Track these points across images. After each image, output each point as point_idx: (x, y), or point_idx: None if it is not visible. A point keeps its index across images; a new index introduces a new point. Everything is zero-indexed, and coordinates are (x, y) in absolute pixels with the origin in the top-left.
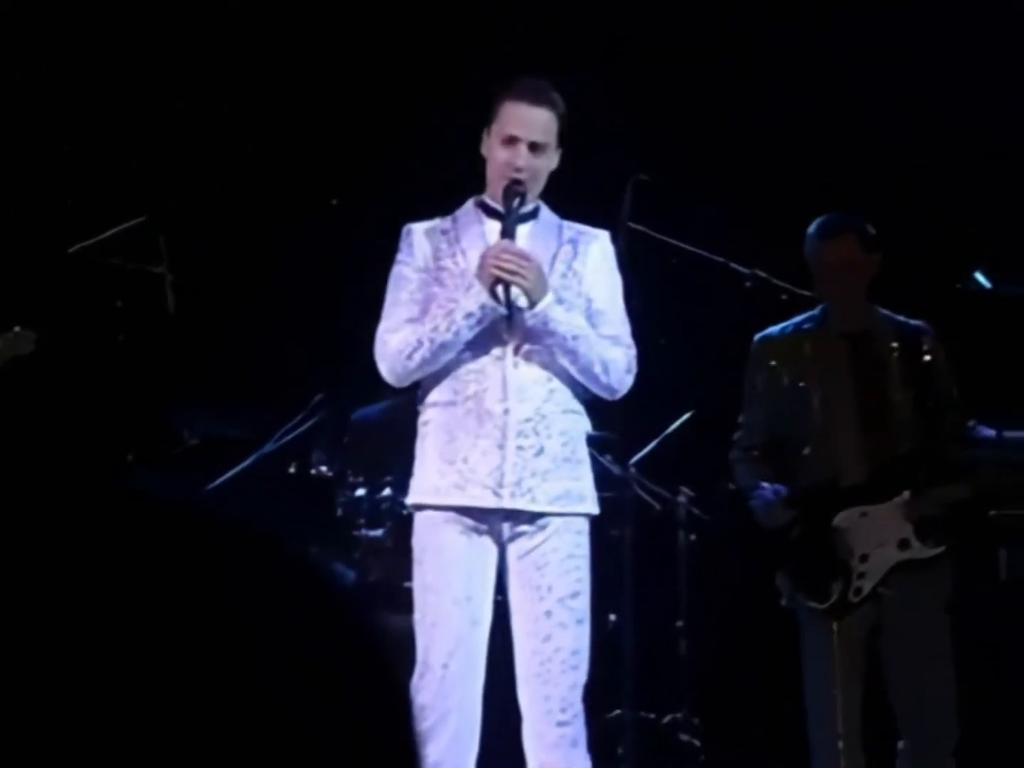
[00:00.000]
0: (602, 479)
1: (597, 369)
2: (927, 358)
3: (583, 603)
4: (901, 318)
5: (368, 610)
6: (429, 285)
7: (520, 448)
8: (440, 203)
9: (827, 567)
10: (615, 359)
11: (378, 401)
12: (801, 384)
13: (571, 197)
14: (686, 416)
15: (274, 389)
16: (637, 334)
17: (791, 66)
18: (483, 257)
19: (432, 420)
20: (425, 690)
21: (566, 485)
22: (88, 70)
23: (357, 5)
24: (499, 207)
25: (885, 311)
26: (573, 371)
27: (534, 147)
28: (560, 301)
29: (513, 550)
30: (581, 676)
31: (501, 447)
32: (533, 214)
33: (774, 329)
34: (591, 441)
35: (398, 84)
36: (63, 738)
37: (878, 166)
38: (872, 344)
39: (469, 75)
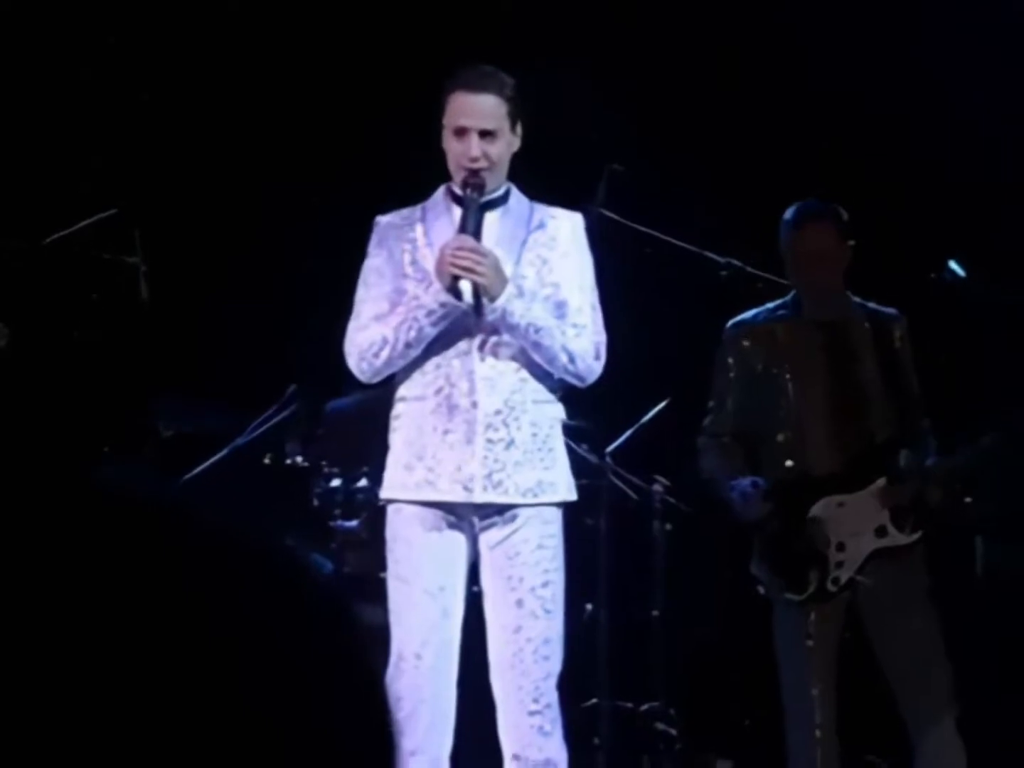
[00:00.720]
0: (578, 468)
1: (563, 359)
2: (898, 345)
3: (554, 592)
4: (872, 305)
5: (345, 601)
6: (399, 279)
7: (490, 441)
8: (417, 193)
9: (804, 558)
10: (582, 348)
11: (352, 392)
12: (774, 371)
13: (547, 182)
14: (661, 405)
15: (248, 380)
16: (612, 323)
17: (766, 51)
18: (440, 253)
19: (402, 414)
20: (399, 680)
21: (538, 475)
22: (60, 60)
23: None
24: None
25: (857, 299)
26: (540, 361)
27: (485, 134)
28: (521, 294)
29: (484, 540)
30: (555, 666)
31: (470, 442)
32: (503, 199)
33: (746, 315)
34: (567, 430)
35: (373, 71)
36: (41, 733)
37: (853, 153)
38: (845, 332)
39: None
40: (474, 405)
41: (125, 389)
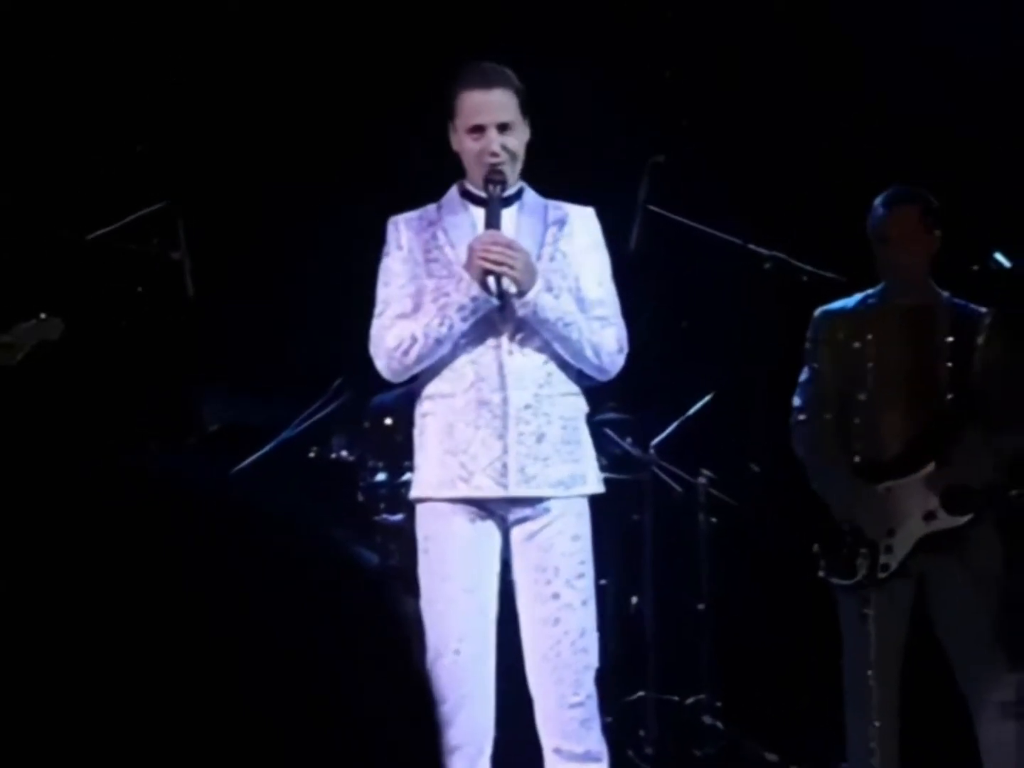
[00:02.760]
0: (622, 462)
1: (588, 353)
2: (980, 342)
3: (588, 584)
4: (959, 300)
5: (390, 594)
6: (419, 278)
7: (521, 435)
8: (435, 189)
9: (853, 544)
10: (605, 341)
11: (397, 386)
12: (857, 358)
13: (584, 176)
14: (706, 398)
15: (294, 375)
16: (656, 316)
17: (812, 42)
18: (470, 249)
19: (431, 412)
20: (438, 676)
21: (569, 468)
22: (108, 55)
23: None
24: (482, 194)
25: (947, 292)
26: (565, 356)
27: (502, 128)
28: (549, 289)
29: (518, 534)
30: (592, 659)
31: (501, 436)
32: (517, 196)
33: (836, 303)
34: (612, 424)
35: (409, 69)
36: (84, 722)
37: (899, 146)
38: (927, 320)
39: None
40: (504, 401)
41: (171, 382)
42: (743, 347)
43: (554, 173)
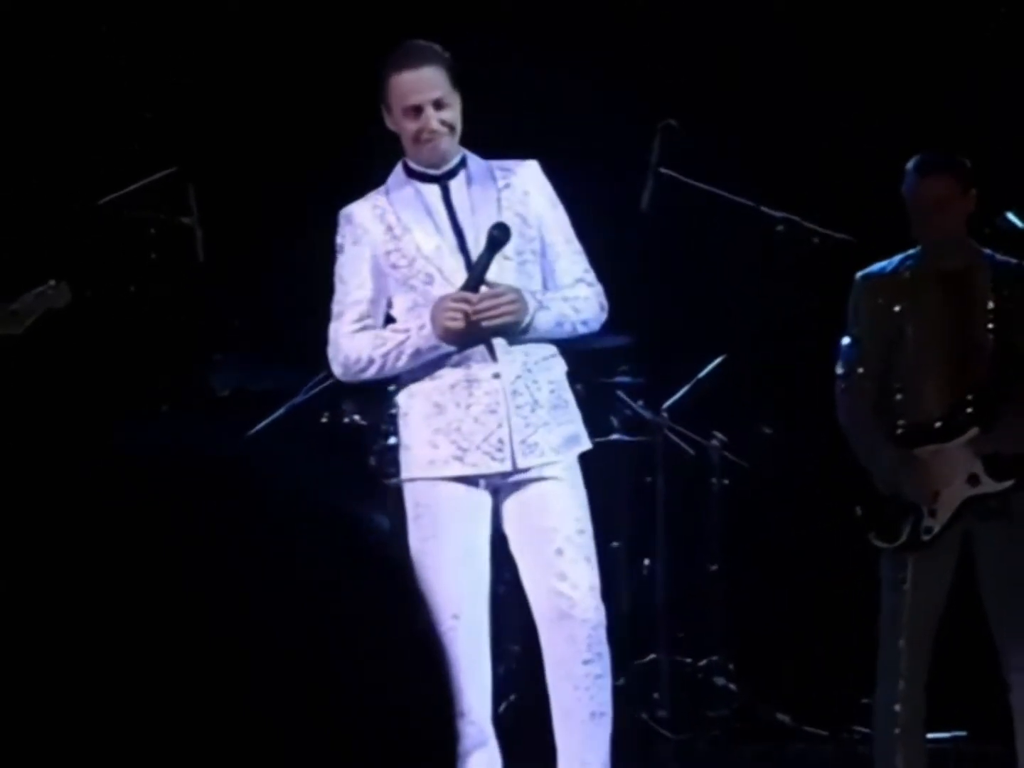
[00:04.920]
0: (635, 424)
1: (580, 329)
2: (1021, 296)
3: (589, 541)
4: (1002, 257)
5: (402, 559)
6: (380, 277)
7: (518, 407)
8: None
9: (896, 506)
10: (592, 310)
11: None
12: (897, 322)
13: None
14: (718, 360)
15: (305, 340)
16: (668, 278)
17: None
18: (436, 308)
19: (417, 393)
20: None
21: (564, 430)
22: (117, 21)
23: None
24: (426, 171)
25: (987, 250)
26: (556, 338)
27: (437, 105)
28: (541, 306)
29: (512, 502)
30: (601, 615)
31: (494, 411)
32: (461, 165)
33: (874, 267)
34: (624, 387)
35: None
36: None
37: (908, 108)
38: (967, 283)
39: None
40: (495, 376)
41: (182, 348)
42: (755, 310)
43: (562, 138)
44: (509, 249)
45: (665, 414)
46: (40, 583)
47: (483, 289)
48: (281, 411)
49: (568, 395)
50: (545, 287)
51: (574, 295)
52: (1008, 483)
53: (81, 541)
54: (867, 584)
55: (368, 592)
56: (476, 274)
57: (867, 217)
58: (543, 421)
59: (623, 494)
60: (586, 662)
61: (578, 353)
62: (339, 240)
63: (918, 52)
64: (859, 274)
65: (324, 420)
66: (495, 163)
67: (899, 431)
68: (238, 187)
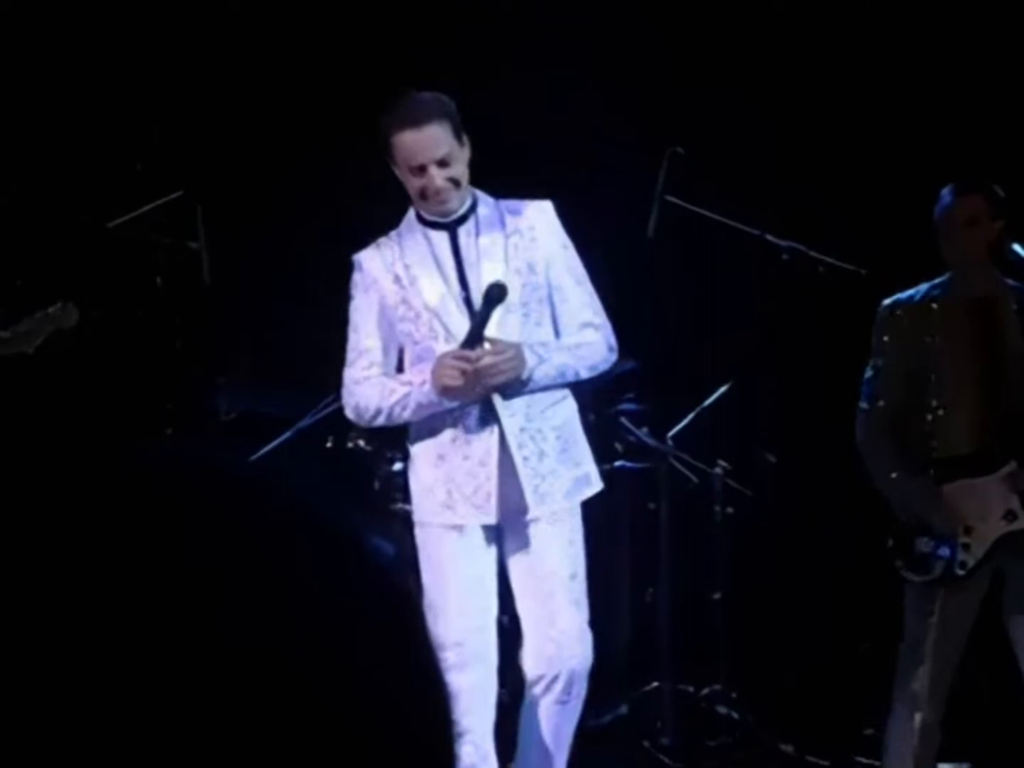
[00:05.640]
0: (639, 451)
1: (584, 374)
2: None
3: (581, 584)
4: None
5: (406, 583)
6: (391, 325)
7: (526, 459)
8: None
9: (929, 540)
10: (598, 354)
11: None
12: (925, 352)
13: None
14: (723, 389)
15: (311, 364)
16: (675, 306)
17: (831, 32)
18: (437, 365)
19: (423, 441)
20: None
21: (573, 474)
22: (125, 44)
23: None
24: (437, 219)
25: (1011, 280)
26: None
27: (443, 163)
28: (540, 360)
29: (513, 540)
30: (585, 661)
31: (484, 465)
32: (471, 210)
33: (902, 295)
34: (628, 414)
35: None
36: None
37: (913, 138)
38: (994, 310)
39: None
40: (493, 431)
41: (188, 371)
42: (760, 338)
43: (567, 165)
44: (514, 301)
45: (670, 441)
46: (42, 602)
47: (484, 345)
48: (287, 435)
49: (578, 435)
50: (555, 329)
51: (578, 342)
52: None
53: (83, 561)
54: (871, 614)
55: (368, 616)
56: (474, 331)
57: (873, 246)
58: (551, 469)
59: (626, 521)
60: (563, 703)
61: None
62: (351, 286)
63: (928, 83)
64: (885, 303)
65: (329, 444)
66: (506, 204)
67: (932, 462)
68: (246, 211)
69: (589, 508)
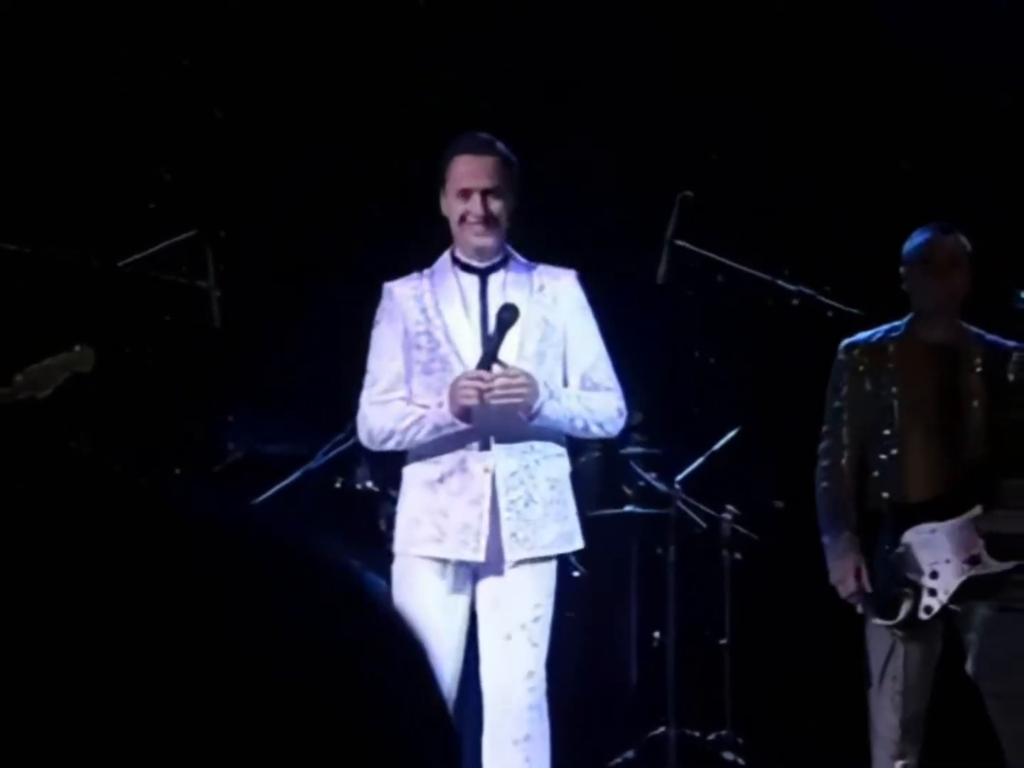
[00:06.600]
0: (647, 496)
1: (593, 430)
2: (1011, 377)
3: (543, 627)
4: (991, 337)
5: (403, 620)
6: (411, 350)
7: (512, 502)
8: None
9: (896, 584)
10: (606, 413)
11: None
12: (882, 392)
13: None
14: (732, 433)
15: (319, 405)
16: (682, 350)
17: (839, 81)
18: (455, 386)
19: (417, 472)
20: None
21: (558, 527)
22: (136, 86)
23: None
24: (471, 262)
25: (975, 329)
26: (569, 434)
27: (487, 193)
28: (552, 396)
29: (485, 581)
30: (536, 696)
31: (477, 503)
32: (503, 263)
33: (860, 335)
34: (637, 458)
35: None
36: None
37: (923, 185)
38: (954, 356)
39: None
40: (485, 470)
41: (197, 411)
42: (769, 383)
43: (577, 211)
44: (530, 352)
45: (678, 486)
46: (46, 642)
47: (497, 368)
48: (295, 475)
49: (568, 494)
50: (566, 387)
51: (588, 396)
52: (1011, 564)
53: (89, 598)
54: None
55: (369, 655)
56: (488, 352)
57: (883, 291)
58: (537, 516)
59: (634, 565)
60: (515, 742)
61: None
62: (379, 312)
63: (938, 131)
64: (843, 343)
65: (338, 485)
66: (538, 267)
67: (889, 506)
68: (256, 251)
69: (598, 551)
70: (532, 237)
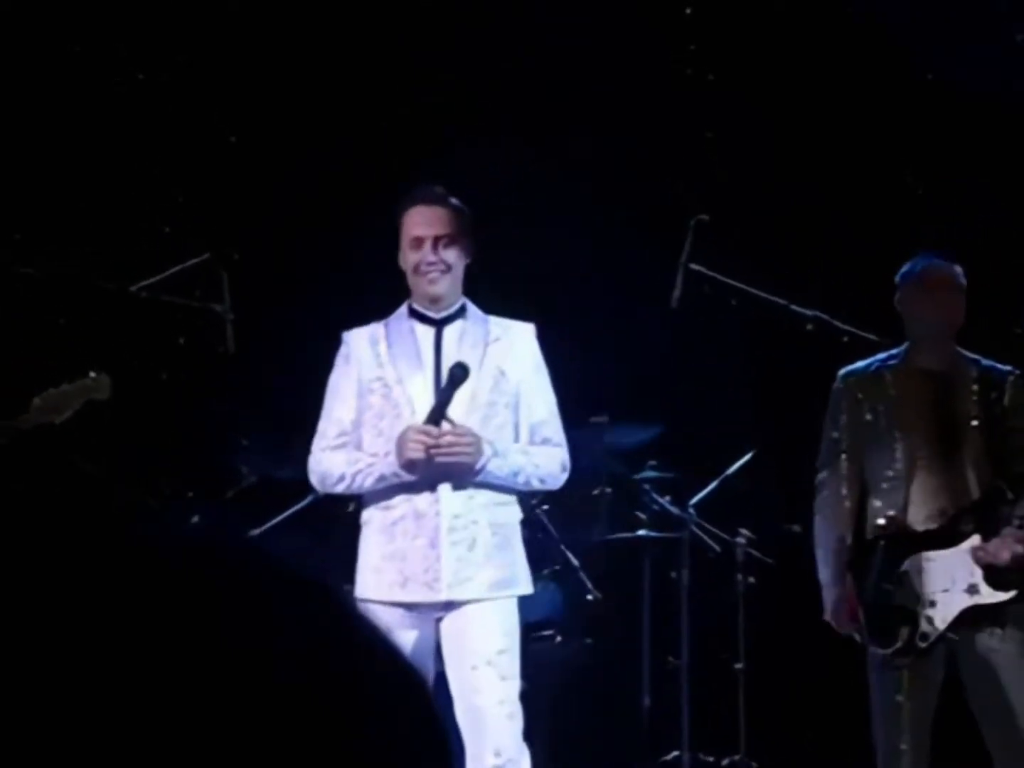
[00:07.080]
0: (661, 520)
1: (535, 484)
2: (1007, 403)
3: (511, 659)
4: (987, 362)
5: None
6: (364, 396)
7: (454, 543)
8: None
9: (893, 612)
10: (550, 468)
11: None
12: (881, 420)
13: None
14: (746, 458)
15: None
16: (697, 374)
17: (848, 106)
18: (402, 439)
19: (372, 519)
20: None
21: (500, 573)
22: (148, 108)
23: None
24: (426, 312)
25: (971, 354)
26: (512, 487)
27: (439, 240)
28: (496, 454)
29: (448, 621)
30: (513, 724)
31: (434, 546)
32: (460, 313)
33: (858, 364)
34: (651, 482)
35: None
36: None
37: (935, 208)
38: (951, 383)
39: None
40: (437, 513)
41: (210, 435)
42: (783, 407)
43: (593, 231)
44: (481, 401)
45: (692, 510)
46: (60, 665)
47: (445, 425)
48: (308, 499)
49: (515, 541)
50: (515, 438)
51: (536, 451)
52: (1009, 594)
53: (101, 623)
54: None
55: (369, 684)
56: (437, 408)
57: (899, 315)
58: (477, 560)
59: (648, 590)
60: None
61: (606, 448)
62: (336, 358)
63: (949, 158)
64: (840, 373)
65: (350, 509)
66: (494, 319)
67: (887, 535)
68: (271, 275)
69: (612, 575)
70: (534, 255)
